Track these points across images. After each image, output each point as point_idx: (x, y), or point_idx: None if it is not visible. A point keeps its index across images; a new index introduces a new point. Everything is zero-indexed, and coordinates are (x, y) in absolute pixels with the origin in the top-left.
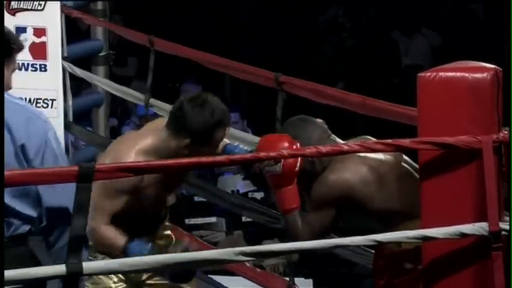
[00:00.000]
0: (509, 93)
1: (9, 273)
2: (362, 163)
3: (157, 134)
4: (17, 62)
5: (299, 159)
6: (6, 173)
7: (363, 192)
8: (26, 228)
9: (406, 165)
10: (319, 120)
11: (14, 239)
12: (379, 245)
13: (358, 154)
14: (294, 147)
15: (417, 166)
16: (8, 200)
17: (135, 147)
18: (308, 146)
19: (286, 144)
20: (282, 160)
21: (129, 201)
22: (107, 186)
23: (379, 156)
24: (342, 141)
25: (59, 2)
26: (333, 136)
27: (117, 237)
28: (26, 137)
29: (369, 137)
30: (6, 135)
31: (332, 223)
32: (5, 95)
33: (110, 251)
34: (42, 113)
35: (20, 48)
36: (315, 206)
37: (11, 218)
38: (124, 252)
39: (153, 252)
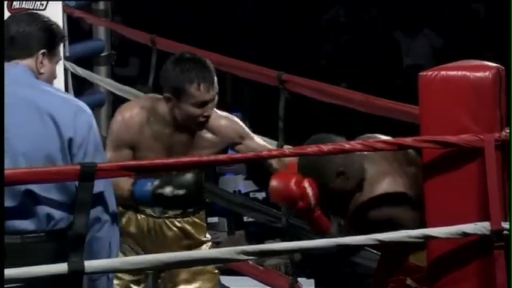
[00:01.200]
0: (509, 93)
1: (11, 272)
2: (400, 185)
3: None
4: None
5: (312, 194)
6: (8, 171)
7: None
8: (66, 223)
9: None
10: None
11: (53, 234)
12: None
13: (392, 173)
14: (305, 185)
15: None
16: (52, 193)
17: (138, 103)
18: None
19: (294, 186)
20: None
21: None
22: (114, 140)
23: (410, 170)
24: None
25: (60, 2)
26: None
27: (123, 181)
28: (73, 131)
29: (376, 135)
30: (53, 129)
31: None
32: (50, 89)
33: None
34: (86, 106)
35: (63, 38)
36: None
37: (52, 211)
38: (131, 196)
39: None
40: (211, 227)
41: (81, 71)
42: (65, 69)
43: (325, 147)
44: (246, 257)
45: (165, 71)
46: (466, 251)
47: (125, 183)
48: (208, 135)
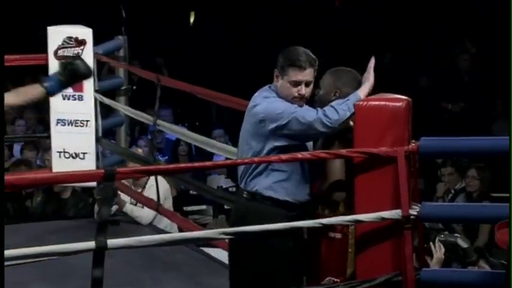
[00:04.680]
0: (509, 93)
1: (45, 249)
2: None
3: None
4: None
5: None
6: (45, 175)
7: None
8: None
9: None
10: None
11: None
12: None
13: None
14: None
15: None
16: None
17: None
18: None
19: None
20: None
21: None
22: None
23: None
24: None
25: (92, 50)
26: None
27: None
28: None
29: None
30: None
31: None
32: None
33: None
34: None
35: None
36: None
37: None
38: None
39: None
40: (202, 213)
41: (106, 100)
42: (95, 99)
43: (283, 157)
44: (225, 237)
45: None
46: (384, 230)
47: (33, 90)
48: None
